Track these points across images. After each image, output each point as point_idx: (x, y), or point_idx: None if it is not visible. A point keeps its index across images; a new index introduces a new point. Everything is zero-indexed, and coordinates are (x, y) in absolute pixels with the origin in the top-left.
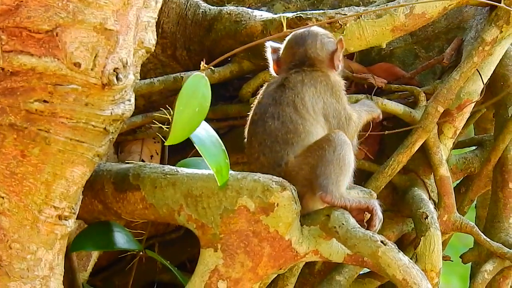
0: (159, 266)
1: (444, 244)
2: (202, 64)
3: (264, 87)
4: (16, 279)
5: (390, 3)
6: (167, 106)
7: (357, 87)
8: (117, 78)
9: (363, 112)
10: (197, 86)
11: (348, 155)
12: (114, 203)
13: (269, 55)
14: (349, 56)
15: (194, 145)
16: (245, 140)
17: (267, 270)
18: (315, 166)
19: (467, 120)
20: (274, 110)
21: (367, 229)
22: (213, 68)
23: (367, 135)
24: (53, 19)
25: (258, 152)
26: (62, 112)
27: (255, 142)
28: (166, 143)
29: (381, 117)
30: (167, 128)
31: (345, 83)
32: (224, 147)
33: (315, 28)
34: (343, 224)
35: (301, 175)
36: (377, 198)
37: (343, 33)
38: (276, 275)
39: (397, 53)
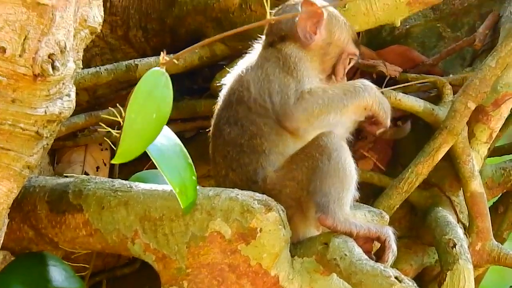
0: None
1: (477, 280)
2: (162, 56)
3: None
4: None
5: None
6: (117, 104)
7: (363, 76)
8: (53, 67)
9: (350, 92)
10: (155, 86)
11: (348, 163)
12: (49, 229)
13: None
14: None
15: (151, 157)
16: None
17: None
18: (305, 182)
19: (506, 120)
20: (228, 113)
21: (377, 262)
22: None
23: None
24: None
25: (226, 168)
26: None
27: (219, 157)
28: (114, 161)
29: (386, 122)
30: (117, 133)
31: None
32: (190, 160)
33: None
34: (345, 255)
35: (286, 193)
36: (390, 221)
37: (345, 7)
38: None
39: (415, 32)
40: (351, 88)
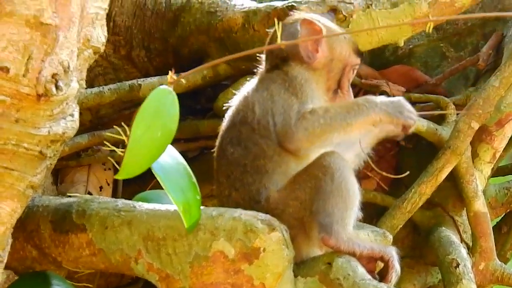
0: None
1: None
2: (170, 74)
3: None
4: None
5: None
6: (122, 123)
7: None
8: (57, 87)
9: (357, 110)
10: (161, 104)
11: (351, 183)
12: (52, 248)
13: None
14: None
15: (155, 175)
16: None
17: None
18: (308, 201)
19: (509, 139)
20: (232, 133)
21: (380, 282)
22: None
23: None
24: None
25: (229, 188)
26: None
27: (222, 177)
28: (117, 177)
29: (409, 122)
30: (121, 152)
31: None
32: (194, 179)
33: (296, 16)
34: (349, 274)
35: (288, 213)
36: (393, 241)
37: (348, 26)
38: None
39: (418, 52)
40: (355, 106)
